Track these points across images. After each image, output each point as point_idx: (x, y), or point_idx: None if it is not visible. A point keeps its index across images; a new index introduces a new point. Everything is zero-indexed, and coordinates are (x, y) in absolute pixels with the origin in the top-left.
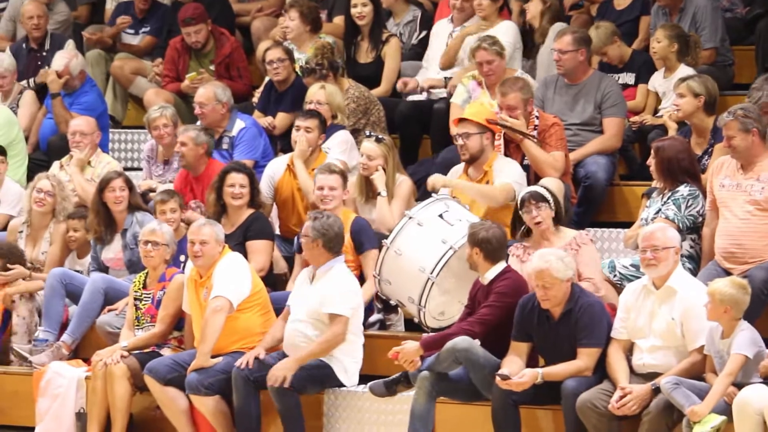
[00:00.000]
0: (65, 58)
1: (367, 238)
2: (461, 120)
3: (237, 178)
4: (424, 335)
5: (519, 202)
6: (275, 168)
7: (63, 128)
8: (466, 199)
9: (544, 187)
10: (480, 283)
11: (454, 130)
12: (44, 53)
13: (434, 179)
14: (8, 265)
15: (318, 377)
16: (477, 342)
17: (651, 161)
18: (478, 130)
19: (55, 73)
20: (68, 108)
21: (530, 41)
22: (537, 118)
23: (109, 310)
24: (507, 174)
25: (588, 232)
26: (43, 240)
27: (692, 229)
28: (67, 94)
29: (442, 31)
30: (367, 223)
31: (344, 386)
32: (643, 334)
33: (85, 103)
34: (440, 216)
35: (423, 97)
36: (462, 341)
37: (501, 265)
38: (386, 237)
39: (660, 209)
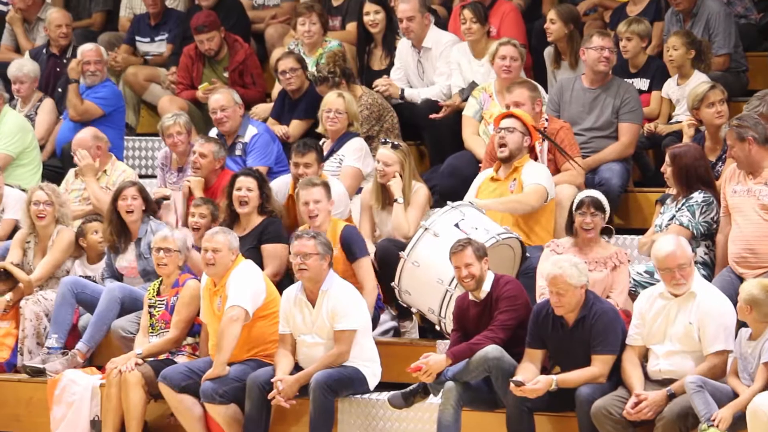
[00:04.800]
0: (94, 44)
1: (358, 247)
2: (507, 116)
3: (244, 182)
4: (440, 343)
5: (577, 203)
6: (277, 190)
7: (71, 114)
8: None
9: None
10: (468, 302)
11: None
12: (65, 60)
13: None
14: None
15: (353, 381)
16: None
17: (666, 168)
18: (523, 130)
19: (76, 60)
20: (84, 98)
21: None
22: (546, 120)
23: None
24: (537, 176)
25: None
26: (49, 249)
27: (706, 235)
28: (87, 87)
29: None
30: (356, 230)
31: (369, 390)
32: (659, 340)
33: (101, 93)
34: (456, 225)
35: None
36: (493, 350)
37: (490, 275)
38: (402, 244)
39: (674, 216)
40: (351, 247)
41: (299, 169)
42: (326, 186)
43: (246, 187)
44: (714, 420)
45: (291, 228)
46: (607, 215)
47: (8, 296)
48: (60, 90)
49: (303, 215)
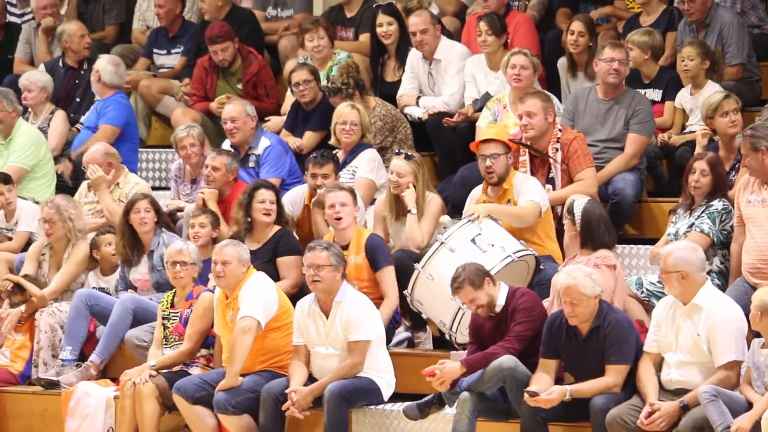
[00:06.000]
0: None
1: (383, 256)
2: (486, 141)
3: (267, 195)
4: (453, 353)
5: None
6: (293, 200)
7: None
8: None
9: (582, 204)
10: (482, 316)
11: (480, 150)
12: (82, 72)
13: (475, 210)
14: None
15: (367, 392)
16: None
17: (702, 179)
18: (504, 151)
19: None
20: (96, 120)
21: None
22: (560, 131)
23: None
24: (530, 192)
25: (603, 257)
26: (64, 262)
27: (724, 244)
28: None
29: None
30: (381, 239)
31: (383, 401)
32: (671, 349)
33: (110, 110)
34: (472, 240)
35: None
36: (508, 360)
37: (504, 287)
38: (416, 254)
39: (693, 223)
40: (375, 255)
41: (317, 180)
42: (352, 192)
43: (269, 200)
44: (731, 429)
45: (306, 239)
46: (578, 222)
47: (23, 308)
48: (78, 100)
49: (329, 218)
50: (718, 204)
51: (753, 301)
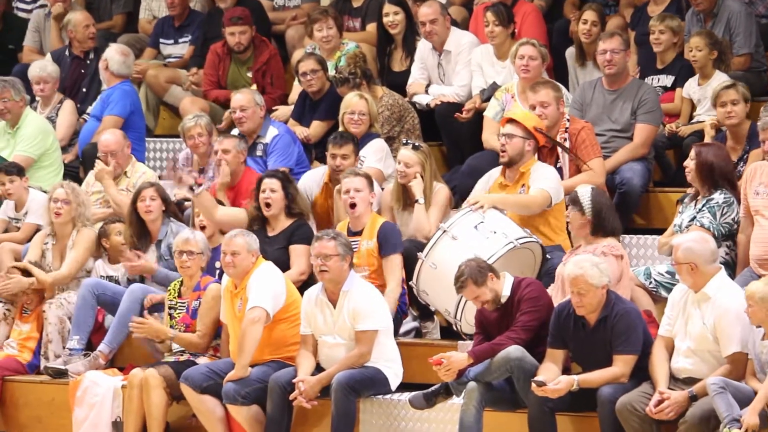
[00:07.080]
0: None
1: (391, 242)
2: (509, 120)
3: (267, 183)
4: (460, 344)
5: None
6: (310, 184)
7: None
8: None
9: (589, 193)
10: (486, 309)
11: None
12: (88, 62)
13: (479, 200)
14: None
15: (375, 382)
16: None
17: (689, 163)
18: (523, 135)
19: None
20: (101, 113)
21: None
22: (568, 121)
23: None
24: (543, 179)
25: (611, 246)
26: (68, 249)
27: (727, 236)
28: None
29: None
30: (395, 227)
31: (391, 391)
32: (681, 336)
33: (114, 99)
34: (475, 227)
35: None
36: (515, 351)
37: (508, 278)
38: (423, 245)
39: (695, 216)
40: (385, 240)
41: (336, 160)
42: (369, 178)
43: (270, 188)
44: (741, 422)
45: (323, 217)
46: (587, 211)
47: (33, 279)
48: (84, 90)
49: (344, 204)
50: (719, 197)
51: (745, 292)
